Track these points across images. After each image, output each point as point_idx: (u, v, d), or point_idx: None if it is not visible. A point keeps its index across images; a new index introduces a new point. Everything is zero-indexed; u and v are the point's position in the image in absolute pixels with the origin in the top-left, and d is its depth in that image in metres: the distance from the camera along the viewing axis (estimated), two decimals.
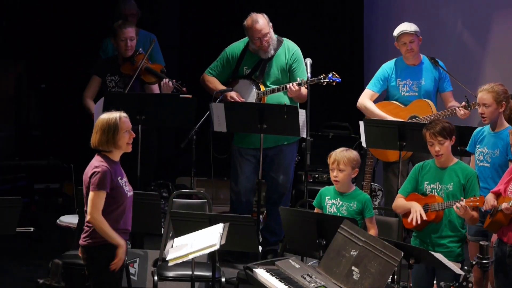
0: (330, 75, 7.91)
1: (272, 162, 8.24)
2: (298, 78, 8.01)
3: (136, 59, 8.31)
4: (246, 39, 8.30)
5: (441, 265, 5.70)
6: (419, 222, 6.24)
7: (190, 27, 10.86)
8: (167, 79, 8.24)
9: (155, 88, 8.45)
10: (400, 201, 6.46)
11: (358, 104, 8.20)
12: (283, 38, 8.30)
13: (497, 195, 6.08)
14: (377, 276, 5.33)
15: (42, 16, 10.46)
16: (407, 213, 6.41)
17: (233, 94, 8.19)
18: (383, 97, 8.27)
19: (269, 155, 8.14)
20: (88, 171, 5.89)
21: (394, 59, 8.19)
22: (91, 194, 5.81)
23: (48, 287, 7.15)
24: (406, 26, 8.00)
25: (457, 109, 7.72)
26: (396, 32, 8.02)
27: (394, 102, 8.12)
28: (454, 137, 6.34)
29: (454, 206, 6.11)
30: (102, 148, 5.91)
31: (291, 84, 7.97)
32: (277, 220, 8.26)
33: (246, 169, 8.32)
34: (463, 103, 7.69)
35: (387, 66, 8.18)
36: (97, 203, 5.79)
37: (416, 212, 6.26)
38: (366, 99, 8.14)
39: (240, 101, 8.14)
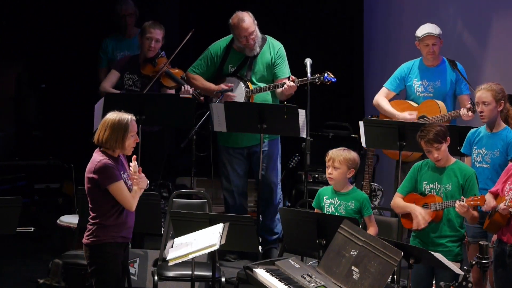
0: (325, 75, 7.95)
1: (259, 159, 8.24)
2: (292, 76, 8.03)
3: (158, 62, 8.34)
4: (229, 36, 8.34)
5: (440, 265, 5.70)
6: (423, 226, 6.24)
7: (190, 27, 10.86)
8: (187, 86, 8.27)
9: (170, 91, 8.47)
10: (399, 201, 6.46)
11: (373, 101, 8.24)
12: (267, 35, 8.33)
13: (495, 195, 6.08)
14: (377, 276, 5.34)
15: (42, 16, 10.45)
16: (406, 214, 6.41)
17: (224, 83, 8.21)
18: (403, 96, 8.27)
19: (257, 152, 8.13)
20: (90, 166, 5.90)
21: (415, 59, 8.19)
22: (110, 191, 5.84)
23: (48, 287, 7.15)
24: (431, 28, 7.98)
25: (461, 111, 7.69)
26: (420, 33, 8.00)
27: (407, 101, 8.13)
28: (448, 137, 6.34)
29: (456, 205, 6.11)
30: (109, 146, 5.91)
31: (287, 81, 7.99)
32: (272, 218, 8.29)
33: (237, 167, 8.36)
34: (468, 106, 7.65)
35: (406, 66, 8.20)
36: (121, 194, 5.84)
37: (418, 217, 6.25)
38: (380, 97, 8.18)
39: (228, 87, 8.15)
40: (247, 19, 8.14)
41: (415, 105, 8.09)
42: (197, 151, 8.39)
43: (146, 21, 8.56)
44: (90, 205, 5.96)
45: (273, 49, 8.28)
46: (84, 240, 5.96)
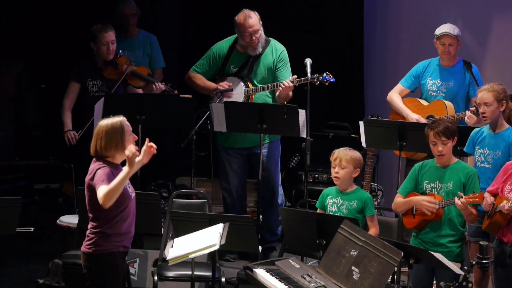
0: (324, 75, 7.97)
1: (260, 161, 8.23)
2: (291, 77, 8.04)
3: (119, 63, 8.31)
4: (232, 37, 8.35)
5: (441, 265, 5.70)
6: (436, 207, 6.22)
7: (190, 27, 10.86)
8: (158, 82, 8.26)
9: (139, 91, 8.46)
10: (399, 200, 6.47)
11: (387, 97, 8.27)
12: (270, 38, 8.34)
13: (494, 195, 6.08)
14: (377, 276, 5.34)
15: (42, 16, 10.45)
16: (408, 212, 6.42)
17: (223, 83, 8.22)
18: (419, 94, 8.28)
19: (257, 154, 8.13)
20: (89, 175, 5.74)
21: (432, 58, 8.19)
22: (97, 191, 5.61)
23: (48, 287, 7.15)
24: (449, 28, 7.98)
25: (467, 115, 7.65)
26: (438, 31, 8.00)
27: (417, 99, 8.14)
28: (456, 137, 6.37)
29: (455, 200, 6.10)
30: (110, 154, 5.74)
31: (284, 81, 8.01)
32: (272, 218, 8.29)
33: (235, 166, 8.37)
34: (472, 109, 7.61)
35: (422, 64, 8.21)
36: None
37: (425, 204, 6.25)
38: (394, 93, 8.22)
39: (228, 87, 8.15)
40: (253, 17, 8.17)
41: (425, 103, 8.09)
42: (197, 151, 8.38)
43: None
44: (91, 214, 5.76)
45: (275, 52, 8.29)
46: (84, 249, 5.77)
